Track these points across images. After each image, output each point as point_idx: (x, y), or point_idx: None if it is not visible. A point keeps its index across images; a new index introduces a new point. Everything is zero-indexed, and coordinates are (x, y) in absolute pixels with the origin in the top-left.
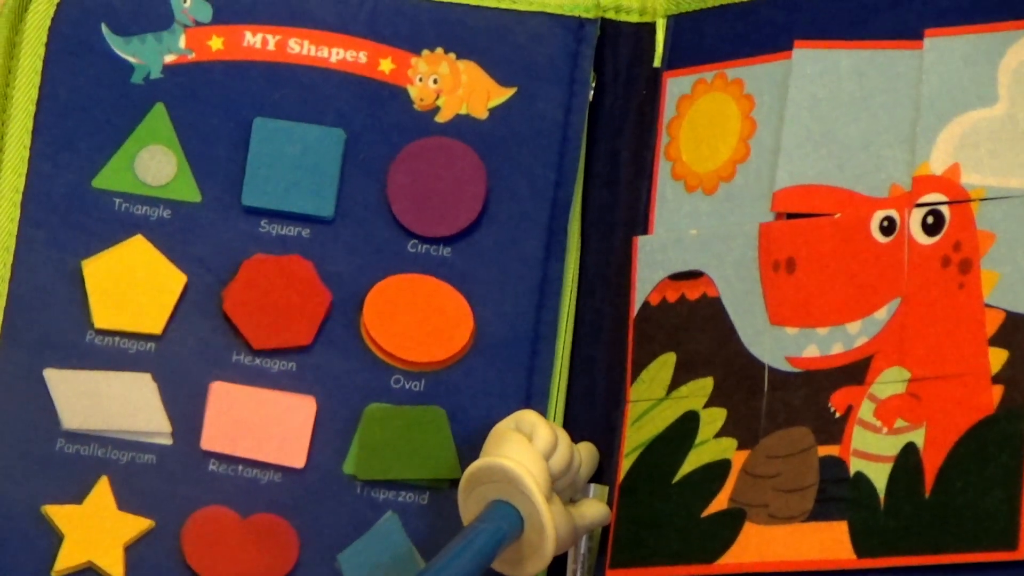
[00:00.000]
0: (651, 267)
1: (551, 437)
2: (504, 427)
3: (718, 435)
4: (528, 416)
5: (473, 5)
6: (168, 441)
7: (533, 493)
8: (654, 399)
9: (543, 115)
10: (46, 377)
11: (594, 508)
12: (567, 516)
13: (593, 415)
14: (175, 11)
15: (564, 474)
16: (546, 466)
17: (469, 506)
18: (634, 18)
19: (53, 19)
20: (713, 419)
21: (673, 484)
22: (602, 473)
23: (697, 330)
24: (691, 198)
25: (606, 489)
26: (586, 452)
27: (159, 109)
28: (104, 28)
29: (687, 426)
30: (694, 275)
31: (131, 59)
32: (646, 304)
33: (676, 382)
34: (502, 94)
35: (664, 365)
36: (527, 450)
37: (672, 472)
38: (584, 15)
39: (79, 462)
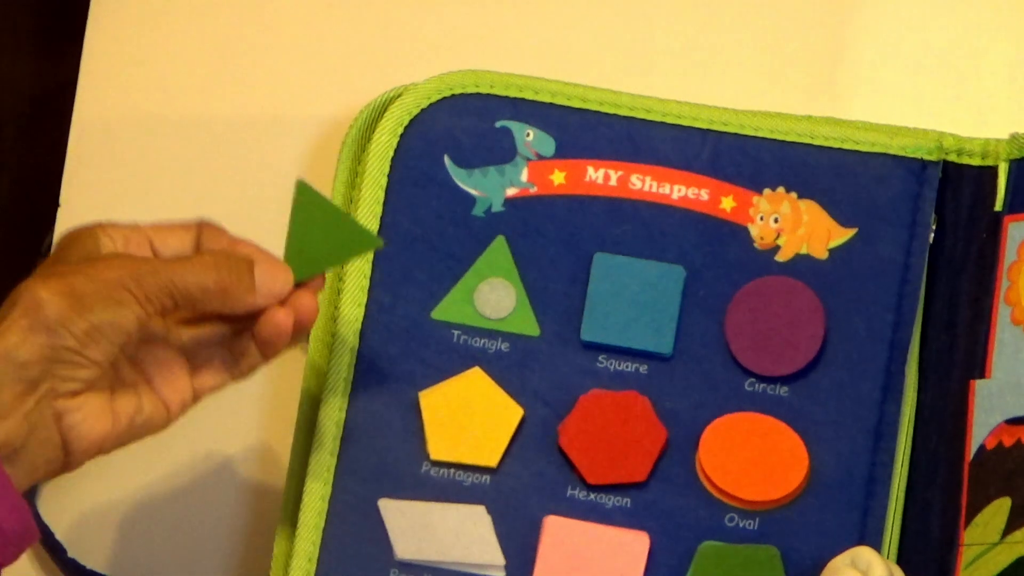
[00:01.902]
0: (988, 411)
1: (886, 575)
2: (840, 563)
3: None
4: (864, 553)
5: (816, 145)
6: (501, 574)
7: None
8: (988, 543)
9: (883, 256)
10: (381, 507)
11: None
12: None
13: (926, 557)
14: (518, 145)
15: None
16: None
17: None
18: (976, 161)
19: (396, 150)
20: None
21: None
22: None
23: None
24: None
25: None
26: None
27: (500, 242)
28: (447, 160)
29: (1020, 572)
30: None
31: (473, 192)
32: (982, 448)
33: (1011, 527)
34: (842, 235)
35: (999, 510)
36: None
37: None
38: (927, 157)
39: None
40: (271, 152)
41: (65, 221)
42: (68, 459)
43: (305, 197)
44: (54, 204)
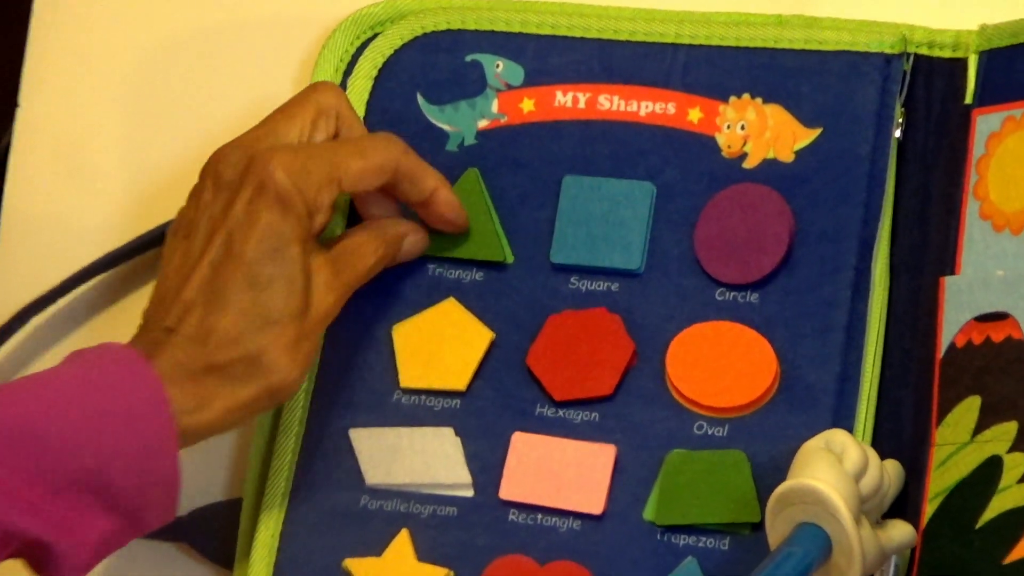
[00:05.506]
0: (958, 308)
1: (862, 458)
2: (814, 446)
3: (1021, 480)
4: (839, 436)
5: (780, 49)
6: (469, 493)
7: (843, 516)
8: (959, 443)
9: (849, 154)
10: (351, 436)
11: (900, 530)
12: (875, 539)
13: (899, 457)
14: (488, 76)
15: (873, 496)
16: (856, 488)
17: (777, 527)
18: (947, 54)
19: (371, 93)
20: (1017, 464)
21: (976, 530)
22: (906, 510)
23: (1002, 373)
24: (998, 238)
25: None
26: (893, 470)
27: (472, 174)
28: (420, 98)
29: (990, 471)
30: (999, 317)
31: (446, 127)
32: (952, 346)
33: (980, 426)
34: (808, 135)
35: (969, 408)
36: (837, 471)
37: (975, 517)
38: (889, 51)
39: (382, 517)
40: (243, 60)
41: (24, 123)
42: None
43: (470, 184)
44: (13, 104)
